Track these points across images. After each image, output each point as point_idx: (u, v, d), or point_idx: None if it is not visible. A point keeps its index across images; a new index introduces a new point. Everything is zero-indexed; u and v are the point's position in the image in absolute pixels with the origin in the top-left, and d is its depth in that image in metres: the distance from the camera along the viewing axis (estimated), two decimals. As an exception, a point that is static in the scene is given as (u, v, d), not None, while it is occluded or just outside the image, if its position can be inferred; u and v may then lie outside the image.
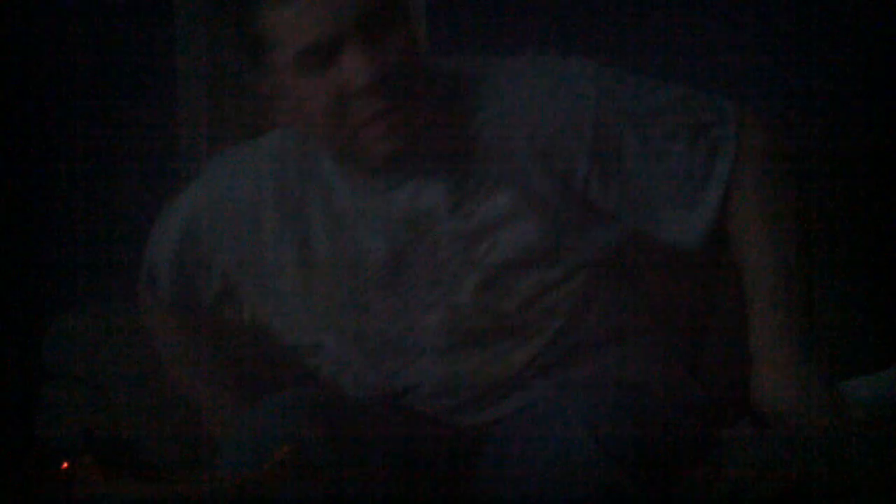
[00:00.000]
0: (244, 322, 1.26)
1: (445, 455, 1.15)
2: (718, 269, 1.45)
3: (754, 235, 1.12)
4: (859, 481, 0.98)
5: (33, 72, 2.16)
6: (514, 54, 1.21)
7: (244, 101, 2.14)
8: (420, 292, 1.14)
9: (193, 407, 1.31)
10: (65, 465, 0.96)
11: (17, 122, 2.16)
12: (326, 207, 1.17)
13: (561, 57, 1.17)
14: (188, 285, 1.27)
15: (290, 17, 1.04)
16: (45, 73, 2.17)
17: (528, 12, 2.19)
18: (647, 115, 1.12)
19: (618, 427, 0.99)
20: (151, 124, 2.18)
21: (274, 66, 1.08)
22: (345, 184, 1.16)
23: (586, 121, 1.11)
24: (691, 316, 1.47)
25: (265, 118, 1.23)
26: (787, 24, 1.88)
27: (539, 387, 1.14)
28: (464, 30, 2.26)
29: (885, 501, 0.96)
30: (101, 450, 1.05)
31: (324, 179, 1.17)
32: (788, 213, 1.13)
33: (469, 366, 1.14)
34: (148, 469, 1.03)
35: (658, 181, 1.12)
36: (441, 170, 1.13)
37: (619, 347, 1.17)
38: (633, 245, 1.18)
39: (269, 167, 1.21)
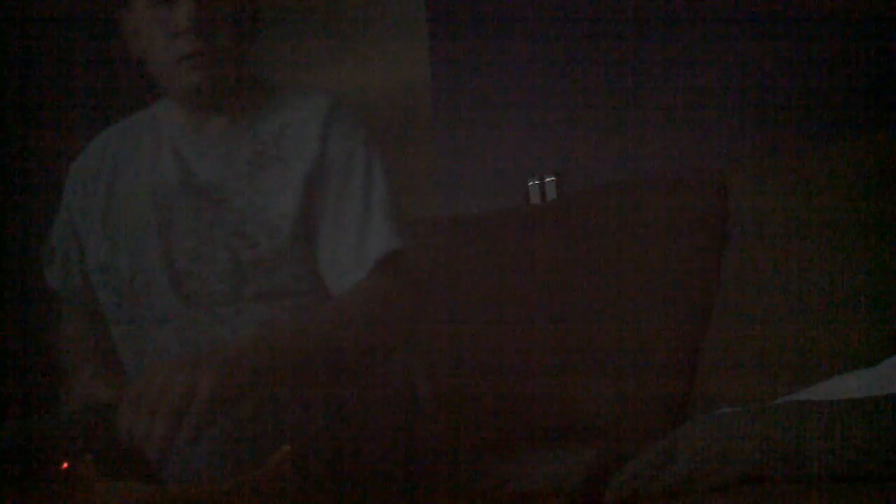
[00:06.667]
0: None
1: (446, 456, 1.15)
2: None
3: None
4: (814, 469, 0.99)
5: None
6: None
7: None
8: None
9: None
10: (65, 465, 0.96)
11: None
12: (157, 142, 1.37)
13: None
14: (64, 263, 1.44)
15: None
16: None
17: (527, 11, 2.19)
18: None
19: None
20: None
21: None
22: (173, 121, 1.36)
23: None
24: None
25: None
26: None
27: None
28: (463, 30, 2.26)
29: (838, 488, 0.96)
30: (101, 450, 1.05)
31: (158, 121, 1.38)
32: None
33: None
34: (147, 469, 1.03)
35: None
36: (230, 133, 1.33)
37: None
38: None
39: (122, 126, 1.44)
